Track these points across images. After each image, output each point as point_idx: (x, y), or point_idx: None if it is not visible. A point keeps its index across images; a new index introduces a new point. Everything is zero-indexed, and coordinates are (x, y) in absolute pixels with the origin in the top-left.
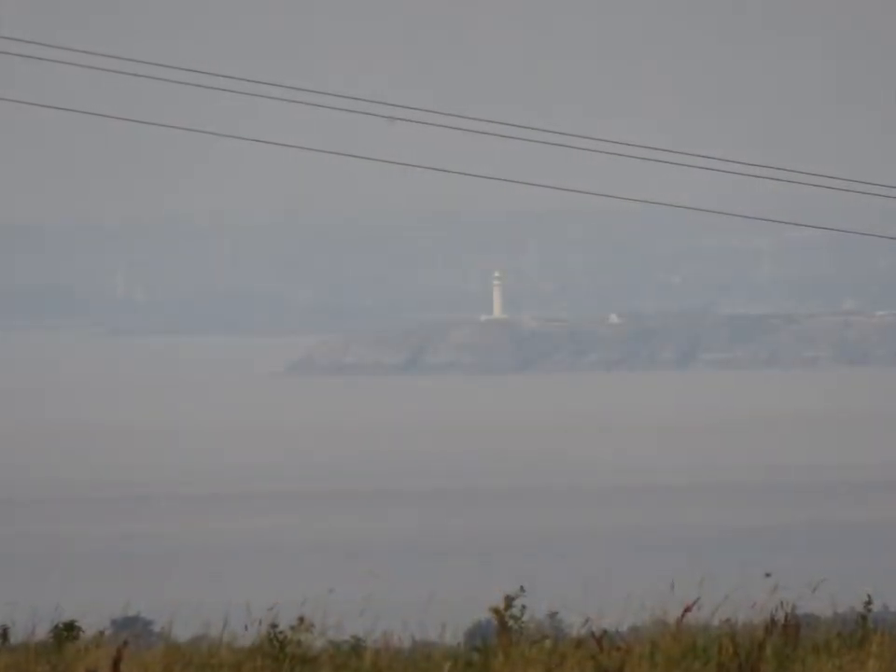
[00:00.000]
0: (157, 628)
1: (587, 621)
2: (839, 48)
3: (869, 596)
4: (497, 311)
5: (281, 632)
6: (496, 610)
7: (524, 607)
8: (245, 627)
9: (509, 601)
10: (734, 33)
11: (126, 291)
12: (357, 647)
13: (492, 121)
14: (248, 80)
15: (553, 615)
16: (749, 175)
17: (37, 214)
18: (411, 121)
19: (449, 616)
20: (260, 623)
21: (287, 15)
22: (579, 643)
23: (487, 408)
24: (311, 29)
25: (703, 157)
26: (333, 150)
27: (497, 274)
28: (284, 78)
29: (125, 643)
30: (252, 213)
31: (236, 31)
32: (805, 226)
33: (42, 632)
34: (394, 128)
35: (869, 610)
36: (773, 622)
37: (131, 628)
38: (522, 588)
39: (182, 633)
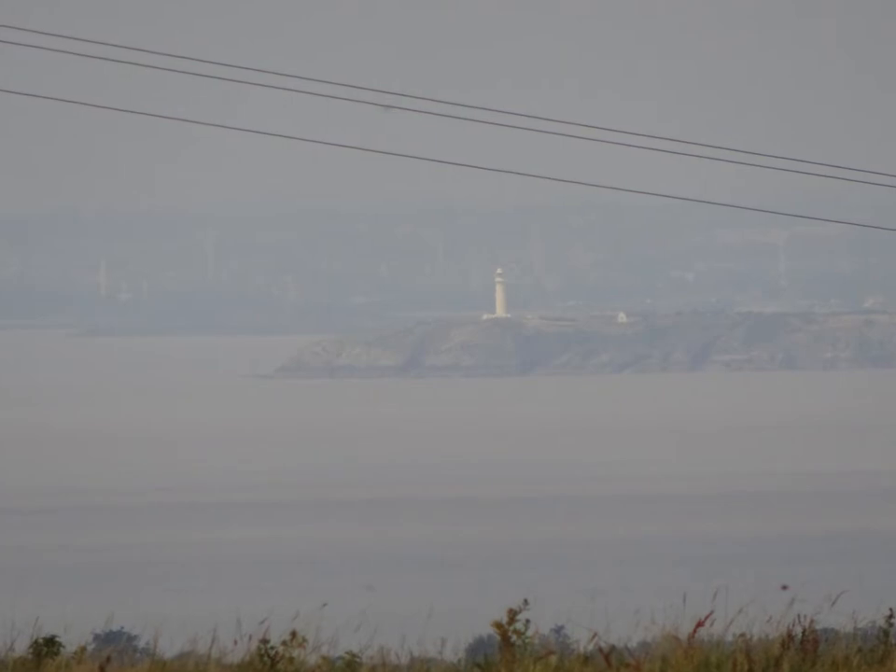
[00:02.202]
0: (141, 643)
1: (594, 636)
2: (848, 43)
3: (891, 610)
4: (500, 310)
5: (272, 647)
6: (498, 625)
7: (528, 621)
8: (235, 642)
9: (512, 615)
10: (738, 30)
11: (110, 289)
12: (352, 663)
13: (501, 111)
14: (244, 68)
15: (558, 629)
16: (773, 168)
17: (23, 209)
18: (406, 109)
19: (449, 630)
20: (251, 638)
21: (280, 10)
22: (586, 659)
23: (489, 411)
24: (309, 28)
25: (725, 149)
26: (333, 143)
27: (499, 271)
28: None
29: (108, 659)
30: (246, 208)
31: (233, 29)
32: (826, 220)
33: (21, 647)
34: (390, 117)
35: (891, 625)
36: (790, 637)
37: (114, 643)
38: (525, 601)
39: (168, 648)
